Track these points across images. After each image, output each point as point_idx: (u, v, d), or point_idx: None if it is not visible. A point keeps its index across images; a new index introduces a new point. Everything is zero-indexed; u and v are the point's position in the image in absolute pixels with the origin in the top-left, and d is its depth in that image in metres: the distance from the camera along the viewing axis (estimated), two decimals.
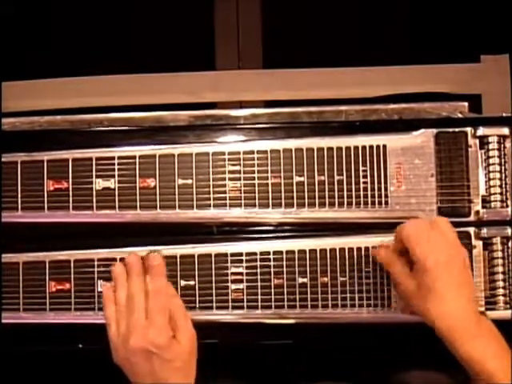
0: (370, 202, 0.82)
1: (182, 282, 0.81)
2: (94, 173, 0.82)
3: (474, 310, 0.74)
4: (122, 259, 0.79)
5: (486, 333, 0.73)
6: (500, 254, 0.81)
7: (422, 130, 0.83)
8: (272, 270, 0.81)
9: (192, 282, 0.81)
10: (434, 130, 0.83)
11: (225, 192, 0.82)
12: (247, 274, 0.81)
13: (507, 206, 0.82)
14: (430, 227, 0.75)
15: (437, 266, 0.72)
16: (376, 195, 0.82)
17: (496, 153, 0.82)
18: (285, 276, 0.81)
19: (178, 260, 0.81)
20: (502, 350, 0.72)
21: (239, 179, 0.82)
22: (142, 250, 0.80)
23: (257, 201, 0.82)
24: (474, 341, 0.71)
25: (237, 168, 0.82)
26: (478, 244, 0.82)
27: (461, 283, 0.74)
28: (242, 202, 0.82)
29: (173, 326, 0.72)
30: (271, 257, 0.81)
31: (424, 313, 0.74)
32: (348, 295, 0.81)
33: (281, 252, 0.82)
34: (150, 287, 0.72)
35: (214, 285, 0.81)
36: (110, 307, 0.73)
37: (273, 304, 0.81)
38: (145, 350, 0.70)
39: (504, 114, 0.85)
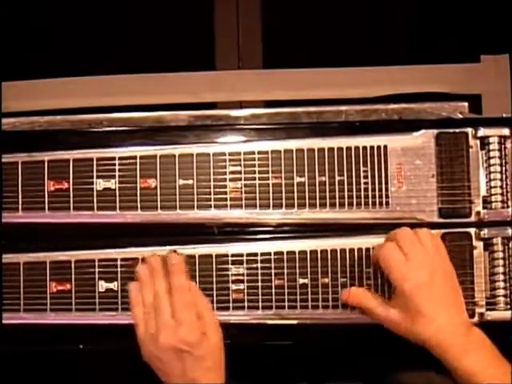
0: (370, 202, 0.82)
1: None
2: (94, 173, 0.82)
3: (464, 323, 0.74)
4: (143, 259, 0.78)
5: (478, 345, 0.72)
6: (501, 255, 0.81)
7: (423, 131, 0.83)
8: (273, 270, 0.81)
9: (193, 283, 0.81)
10: (435, 131, 0.82)
11: (225, 193, 0.82)
12: (248, 274, 0.81)
13: (508, 207, 0.82)
14: (409, 243, 0.74)
15: (417, 289, 0.72)
16: (377, 196, 0.82)
17: (497, 153, 0.82)
18: (285, 277, 0.81)
19: None
20: (495, 359, 0.72)
21: (240, 180, 0.82)
22: (142, 251, 0.80)
23: (257, 201, 0.82)
24: (468, 354, 0.71)
25: (237, 168, 0.82)
26: (479, 245, 0.82)
27: (447, 298, 0.73)
28: (243, 202, 0.82)
29: (201, 323, 0.71)
30: (272, 257, 0.81)
31: (413, 335, 0.73)
32: None
33: (281, 253, 0.81)
34: (172, 286, 0.72)
35: (214, 285, 0.81)
36: (138, 307, 0.73)
37: (273, 305, 0.81)
38: (176, 349, 0.69)
39: (504, 115, 0.85)
